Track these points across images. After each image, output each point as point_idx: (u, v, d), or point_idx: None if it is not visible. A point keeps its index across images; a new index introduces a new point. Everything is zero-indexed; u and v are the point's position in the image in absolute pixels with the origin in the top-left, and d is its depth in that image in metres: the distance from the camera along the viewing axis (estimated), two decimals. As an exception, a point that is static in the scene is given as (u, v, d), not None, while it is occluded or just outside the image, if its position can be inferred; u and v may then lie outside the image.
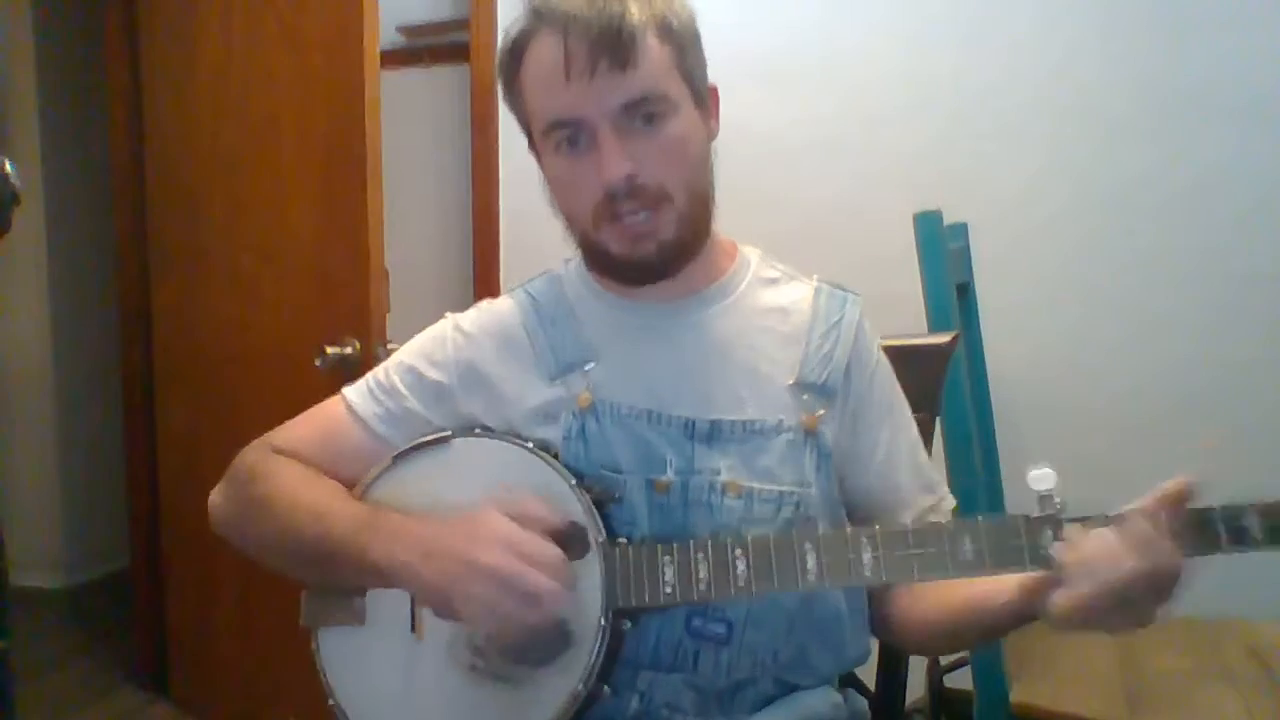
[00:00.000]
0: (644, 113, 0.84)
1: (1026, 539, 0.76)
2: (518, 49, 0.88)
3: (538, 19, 0.86)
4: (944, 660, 1.62)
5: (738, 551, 0.81)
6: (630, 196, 0.85)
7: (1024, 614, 0.79)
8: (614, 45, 0.82)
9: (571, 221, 0.92)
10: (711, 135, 0.93)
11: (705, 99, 0.92)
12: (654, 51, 0.84)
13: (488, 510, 0.83)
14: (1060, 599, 0.72)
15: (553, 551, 0.80)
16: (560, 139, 0.87)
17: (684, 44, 0.87)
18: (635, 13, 0.83)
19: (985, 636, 0.86)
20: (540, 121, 0.88)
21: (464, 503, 0.88)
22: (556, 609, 0.79)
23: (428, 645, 0.89)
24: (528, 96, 0.89)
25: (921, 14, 1.99)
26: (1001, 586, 0.80)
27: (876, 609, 0.98)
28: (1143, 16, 1.86)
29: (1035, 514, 0.76)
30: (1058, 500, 0.76)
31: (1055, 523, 0.75)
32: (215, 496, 1.01)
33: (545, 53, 0.85)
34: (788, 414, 0.91)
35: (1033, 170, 1.94)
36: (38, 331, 3.28)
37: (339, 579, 0.92)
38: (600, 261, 0.93)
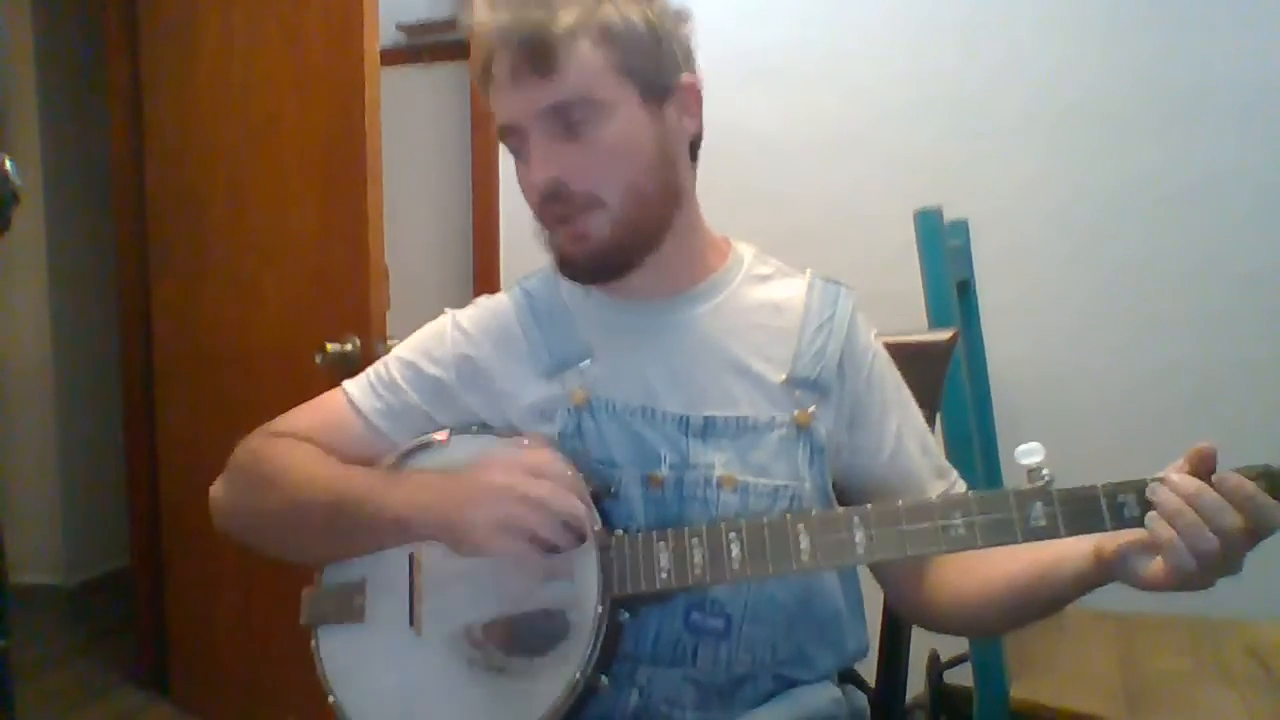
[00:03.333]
0: (568, 119, 0.85)
1: (1017, 511, 0.76)
2: (485, 58, 0.90)
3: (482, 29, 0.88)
4: (944, 656, 1.62)
5: (731, 535, 0.82)
6: (559, 201, 0.87)
7: (1094, 584, 0.78)
8: (533, 52, 0.83)
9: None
10: (672, 132, 0.90)
11: (666, 95, 0.90)
12: (583, 56, 0.84)
13: (501, 452, 0.87)
14: (1156, 565, 0.72)
15: (567, 473, 0.83)
16: (509, 144, 0.91)
17: (629, 45, 0.86)
18: (561, 19, 0.83)
19: (1048, 610, 0.85)
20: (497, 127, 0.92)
21: None
22: (577, 523, 0.81)
23: (426, 640, 0.89)
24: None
25: (922, 13, 1.99)
26: (1071, 554, 0.79)
27: (912, 590, 0.96)
28: (1143, 16, 1.86)
29: (1025, 487, 0.77)
30: (1045, 473, 0.76)
31: (1045, 495, 0.75)
32: (217, 488, 1.02)
33: (494, 62, 0.88)
34: (780, 410, 0.91)
35: (1033, 168, 1.94)
36: (38, 331, 3.28)
37: (351, 542, 0.92)
38: (556, 262, 0.93)
